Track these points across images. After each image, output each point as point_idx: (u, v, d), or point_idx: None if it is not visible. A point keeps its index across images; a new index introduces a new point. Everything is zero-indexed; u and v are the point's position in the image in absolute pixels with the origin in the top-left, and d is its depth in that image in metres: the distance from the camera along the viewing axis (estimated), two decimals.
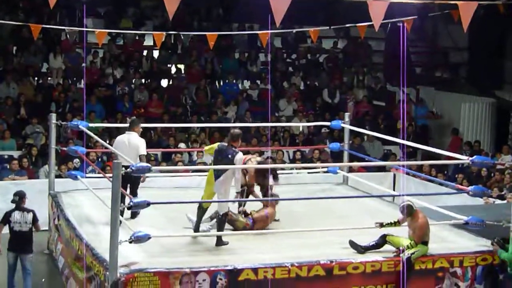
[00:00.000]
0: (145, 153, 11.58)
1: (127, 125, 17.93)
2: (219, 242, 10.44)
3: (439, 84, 22.29)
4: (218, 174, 10.33)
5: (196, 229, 10.73)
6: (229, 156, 10.39)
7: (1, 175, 15.70)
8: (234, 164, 10.33)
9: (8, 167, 15.81)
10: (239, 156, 10.42)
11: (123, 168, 9.24)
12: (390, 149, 19.22)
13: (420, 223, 10.19)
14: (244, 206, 11.66)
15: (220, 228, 10.52)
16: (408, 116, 20.86)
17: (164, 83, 21.43)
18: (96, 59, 20.66)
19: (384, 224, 10.53)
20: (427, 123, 21.28)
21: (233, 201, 11.21)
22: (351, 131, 14.94)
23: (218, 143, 10.79)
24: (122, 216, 9.95)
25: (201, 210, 10.71)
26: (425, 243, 10.18)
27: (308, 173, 15.97)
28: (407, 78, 17.73)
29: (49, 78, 20.15)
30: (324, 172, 15.43)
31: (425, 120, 21.29)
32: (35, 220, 11.17)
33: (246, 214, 11.40)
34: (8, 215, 11.14)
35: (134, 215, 11.52)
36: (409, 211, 10.27)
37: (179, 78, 21.14)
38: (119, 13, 22.55)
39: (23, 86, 19.20)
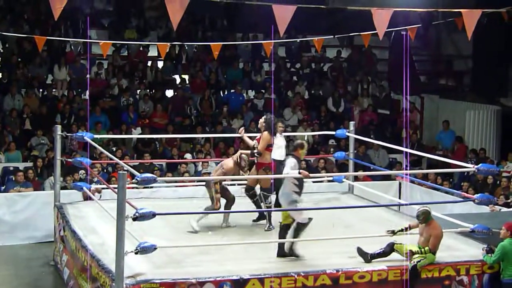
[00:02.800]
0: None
1: (131, 136, 18.25)
2: (290, 252, 10.33)
3: (443, 92, 22.26)
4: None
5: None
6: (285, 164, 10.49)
7: (7, 187, 15.71)
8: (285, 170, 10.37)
9: (13, 178, 15.79)
10: (288, 160, 10.44)
11: None
12: (395, 158, 19.19)
13: (437, 233, 10.19)
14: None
15: (296, 235, 10.36)
16: (412, 125, 20.78)
17: (169, 93, 21.41)
18: (100, 70, 20.67)
19: (396, 231, 10.52)
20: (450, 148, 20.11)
21: (266, 211, 11.46)
22: (356, 139, 14.92)
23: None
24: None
25: (284, 226, 10.54)
26: (434, 252, 10.16)
27: (313, 182, 15.95)
28: (411, 86, 17.69)
29: (53, 90, 20.13)
30: (329, 181, 15.43)
31: (449, 147, 20.14)
32: None
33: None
34: None
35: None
36: (426, 217, 10.25)
37: (183, 88, 21.12)
38: (123, 24, 22.60)
39: (28, 98, 19.20)
